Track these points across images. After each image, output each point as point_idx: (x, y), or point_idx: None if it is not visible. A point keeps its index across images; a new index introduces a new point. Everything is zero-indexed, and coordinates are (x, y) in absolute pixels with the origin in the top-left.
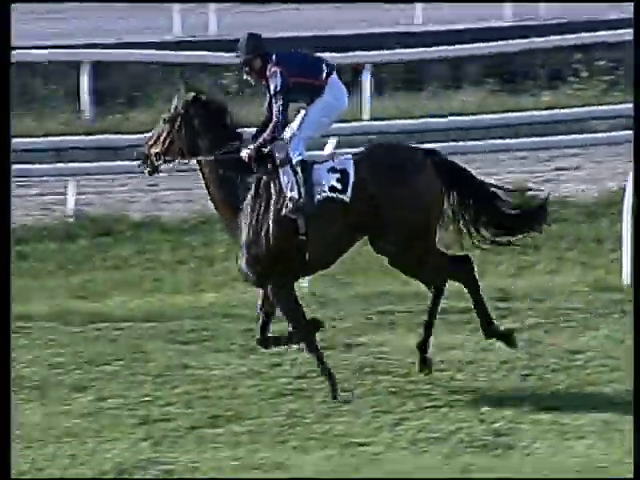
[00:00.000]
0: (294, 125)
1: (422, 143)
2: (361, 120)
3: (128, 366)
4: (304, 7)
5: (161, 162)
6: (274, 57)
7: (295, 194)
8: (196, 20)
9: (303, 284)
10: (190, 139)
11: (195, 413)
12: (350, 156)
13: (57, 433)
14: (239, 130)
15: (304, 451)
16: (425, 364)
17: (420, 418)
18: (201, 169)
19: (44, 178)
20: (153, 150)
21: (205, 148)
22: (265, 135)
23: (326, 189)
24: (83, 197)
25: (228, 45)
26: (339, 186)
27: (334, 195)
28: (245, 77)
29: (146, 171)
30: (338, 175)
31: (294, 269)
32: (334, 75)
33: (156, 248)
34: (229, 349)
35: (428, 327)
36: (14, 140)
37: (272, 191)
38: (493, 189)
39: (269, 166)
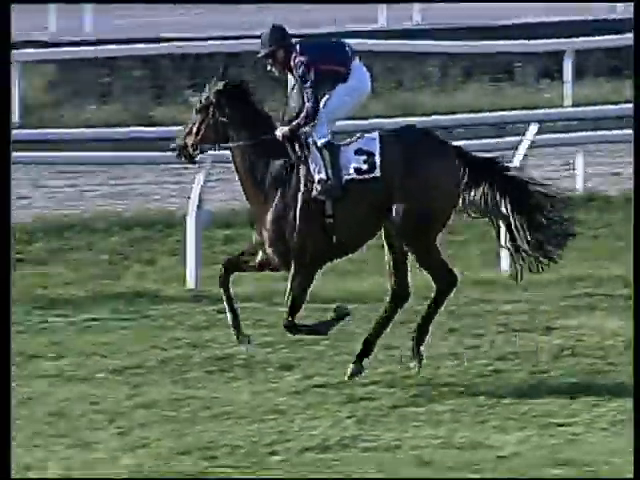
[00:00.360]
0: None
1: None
2: (562, 107)
3: (333, 346)
4: None
5: (198, 152)
6: (298, 47)
7: (323, 176)
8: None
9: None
10: (222, 127)
11: (397, 392)
12: (377, 136)
13: (264, 410)
14: (269, 116)
15: (503, 431)
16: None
17: (619, 399)
18: (233, 156)
19: None
20: (188, 140)
21: (236, 135)
22: (299, 119)
23: (352, 171)
24: None
25: None
26: (365, 167)
27: (361, 177)
28: (269, 69)
29: (182, 160)
30: (365, 156)
31: (320, 252)
32: (356, 60)
33: None
34: (431, 331)
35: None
36: None
37: (300, 175)
38: (532, 186)
39: (297, 150)
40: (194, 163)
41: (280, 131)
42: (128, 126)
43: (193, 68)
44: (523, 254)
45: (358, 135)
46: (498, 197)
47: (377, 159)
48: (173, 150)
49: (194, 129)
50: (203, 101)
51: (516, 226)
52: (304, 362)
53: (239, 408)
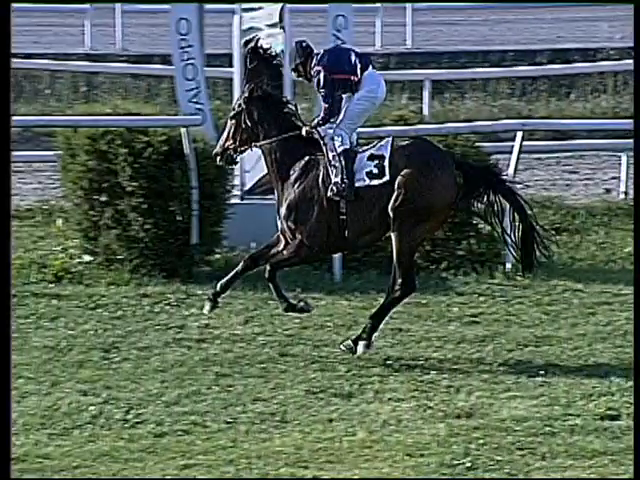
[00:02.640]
0: (338, 119)
1: None
2: None
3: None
4: None
5: (237, 154)
6: (315, 57)
7: (339, 179)
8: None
9: None
10: (253, 128)
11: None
12: (389, 142)
13: None
14: (294, 117)
15: None
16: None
17: None
18: (263, 153)
19: None
20: (228, 145)
21: (264, 135)
22: (319, 118)
23: (364, 176)
24: None
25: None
26: (375, 170)
27: (372, 182)
28: (297, 78)
29: (223, 163)
30: (376, 161)
31: (329, 244)
32: (369, 69)
33: None
34: None
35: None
36: None
37: (320, 172)
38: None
39: (320, 151)
40: (235, 164)
41: (305, 130)
42: None
43: None
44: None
45: (375, 142)
46: (497, 201)
47: (386, 163)
48: (215, 156)
49: (230, 134)
50: (236, 108)
51: (520, 227)
52: None
53: None
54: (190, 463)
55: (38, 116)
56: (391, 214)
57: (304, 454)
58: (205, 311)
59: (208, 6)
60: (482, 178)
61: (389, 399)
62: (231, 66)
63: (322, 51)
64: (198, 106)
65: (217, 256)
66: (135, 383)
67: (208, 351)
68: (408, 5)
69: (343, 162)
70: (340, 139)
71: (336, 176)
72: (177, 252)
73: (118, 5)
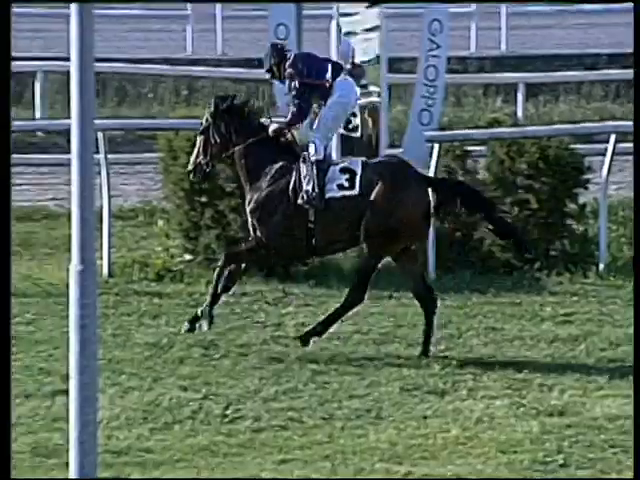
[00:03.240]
0: (313, 127)
1: None
2: None
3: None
4: None
5: (209, 168)
6: (290, 60)
7: (310, 188)
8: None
9: None
10: (222, 141)
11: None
12: (360, 160)
13: None
14: (262, 122)
15: None
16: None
17: None
18: (233, 162)
19: None
20: (199, 160)
21: (234, 144)
22: (286, 120)
23: (334, 187)
24: None
25: None
26: (347, 184)
27: (342, 194)
28: (271, 81)
29: (197, 179)
30: (348, 175)
31: (294, 250)
32: (342, 76)
33: None
34: None
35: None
36: None
37: (292, 178)
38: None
39: (289, 155)
40: (207, 179)
41: (272, 129)
42: None
43: None
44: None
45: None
46: (470, 209)
47: (357, 179)
48: (189, 173)
49: (201, 150)
50: (204, 123)
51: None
52: None
53: None
54: (287, 458)
55: (141, 119)
56: (363, 230)
57: (398, 450)
58: (204, 328)
59: (306, 11)
60: (456, 194)
61: (482, 397)
62: None
63: (295, 55)
64: None
65: None
66: (234, 379)
67: (305, 349)
68: (503, 9)
69: (315, 172)
70: (314, 148)
71: (307, 184)
72: None
73: (219, 11)
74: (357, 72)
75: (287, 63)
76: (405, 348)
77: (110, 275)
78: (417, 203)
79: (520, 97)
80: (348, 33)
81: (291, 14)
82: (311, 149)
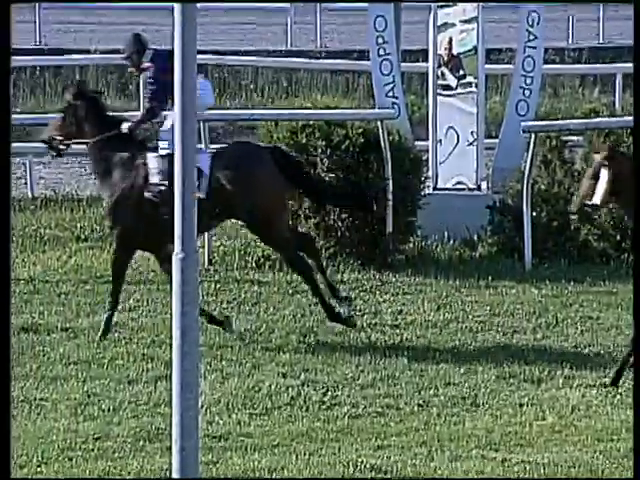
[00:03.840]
0: (167, 122)
1: None
2: None
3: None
4: None
5: (64, 147)
6: (149, 55)
7: (157, 180)
8: None
9: None
10: (76, 126)
11: None
12: (208, 154)
13: None
14: (118, 119)
15: None
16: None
17: None
18: (89, 153)
19: None
20: (54, 135)
21: (89, 134)
22: (139, 116)
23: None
24: None
25: None
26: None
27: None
28: (129, 70)
29: (51, 154)
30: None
31: (147, 244)
32: (198, 76)
33: None
34: None
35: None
36: None
37: (140, 173)
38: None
39: (141, 149)
40: (61, 156)
41: (125, 127)
42: None
43: None
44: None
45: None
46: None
47: (204, 181)
48: (43, 141)
49: (57, 126)
50: (65, 103)
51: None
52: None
53: None
54: (384, 444)
55: (241, 110)
56: (241, 222)
57: (494, 437)
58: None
59: (405, 4)
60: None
61: (578, 385)
62: (426, 61)
63: (154, 50)
64: (394, 100)
65: (411, 245)
66: (331, 366)
67: (402, 336)
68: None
69: (165, 165)
70: (166, 142)
71: (155, 177)
72: (372, 241)
73: (318, 4)
74: (454, 63)
75: (145, 57)
76: (501, 336)
77: (210, 263)
78: (269, 182)
79: (617, 87)
80: (445, 24)
81: (389, 6)
82: (162, 144)
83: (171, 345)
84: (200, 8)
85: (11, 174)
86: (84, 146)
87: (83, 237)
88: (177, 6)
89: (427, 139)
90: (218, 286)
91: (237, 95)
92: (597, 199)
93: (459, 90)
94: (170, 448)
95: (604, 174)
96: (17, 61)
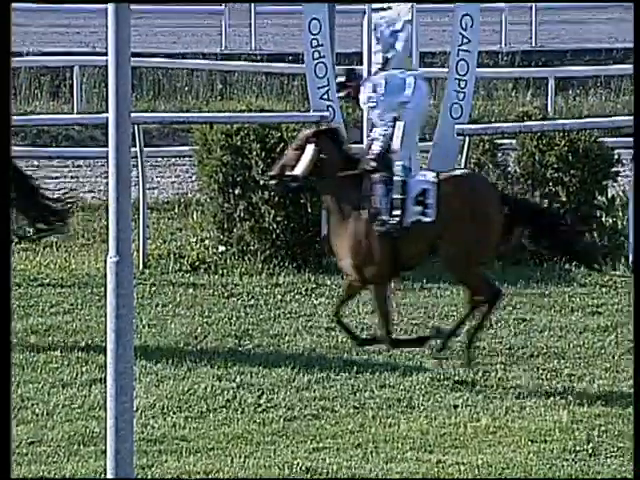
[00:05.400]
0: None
1: None
2: None
3: None
4: None
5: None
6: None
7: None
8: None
9: None
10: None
11: None
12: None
13: None
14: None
15: None
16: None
17: None
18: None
19: None
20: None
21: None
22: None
23: (412, 213)
24: None
25: None
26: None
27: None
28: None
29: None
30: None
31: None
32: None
33: None
34: None
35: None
36: None
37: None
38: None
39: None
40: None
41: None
42: None
43: None
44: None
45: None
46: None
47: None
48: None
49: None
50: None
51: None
52: None
53: None
54: (319, 446)
55: (176, 113)
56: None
57: (429, 439)
58: None
59: (339, 6)
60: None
61: (512, 387)
62: (360, 64)
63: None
64: (328, 103)
65: None
66: (267, 369)
67: (337, 339)
68: (533, 4)
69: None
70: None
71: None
72: (308, 243)
73: (252, 6)
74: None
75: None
76: (436, 338)
77: (145, 266)
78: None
79: (550, 91)
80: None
81: (324, 10)
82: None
83: (105, 348)
84: (134, 10)
85: (10, 175)
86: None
87: (16, 239)
88: (111, 8)
89: (362, 142)
90: (153, 289)
91: (172, 98)
92: (298, 170)
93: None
94: (105, 451)
95: (309, 148)
96: None
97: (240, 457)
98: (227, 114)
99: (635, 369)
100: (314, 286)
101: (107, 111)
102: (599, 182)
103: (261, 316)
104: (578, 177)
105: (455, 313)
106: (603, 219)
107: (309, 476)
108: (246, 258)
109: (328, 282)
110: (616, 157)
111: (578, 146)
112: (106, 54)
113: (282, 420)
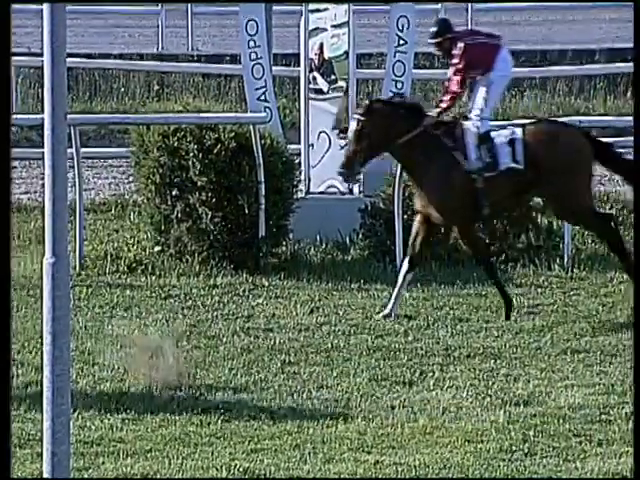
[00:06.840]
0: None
1: None
2: None
3: None
4: None
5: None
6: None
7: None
8: None
9: None
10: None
11: None
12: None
13: None
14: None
15: None
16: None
17: None
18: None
19: None
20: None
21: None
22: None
23: (506, 159)
24: None
25: None
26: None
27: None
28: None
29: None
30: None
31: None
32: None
33: None
34: None
35: None
36: None
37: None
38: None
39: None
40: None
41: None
42: None
43: None
44: None
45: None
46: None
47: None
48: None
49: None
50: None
51: None
52: None
53: None
54: (257, 447)
55: (113, 114)
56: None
57: (367, 439)
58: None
59: (276, 7)
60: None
61: (449, 387)
62: (298, 65)
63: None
64: (265, 104)
65: (283, 248)
66: (204, 370)
67: (275, 340)
68: (469, 6)
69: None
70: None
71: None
72: (245, 244)
73: (189, 7)
74: (325, 68)
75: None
76: (373, 339)
77: (82, 267)
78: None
79: None
80: (316, 29)
81: (260, 11)
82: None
83: (42, 350)
84: (70, 11)
85: (11, 175)
86: None
87: None
88: (46, 8)
89: (299, 143)
90: (90, 290)
91: (108, 98)
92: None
93: (331, 94)
94: (41, 454)
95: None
96: None
97: (178, 459)
98: (164, 115)
99: (635, 369)
100: (252, 287)
101: (43, 112)
102: None
103: (199, 317)
104: None
105: (392, 314)
106: (539, 220)
107: (247, 477)
108: (183, 259)
109: (266, 283)
110: None
111: None
112: (42, 55)
113: (220, 421)
